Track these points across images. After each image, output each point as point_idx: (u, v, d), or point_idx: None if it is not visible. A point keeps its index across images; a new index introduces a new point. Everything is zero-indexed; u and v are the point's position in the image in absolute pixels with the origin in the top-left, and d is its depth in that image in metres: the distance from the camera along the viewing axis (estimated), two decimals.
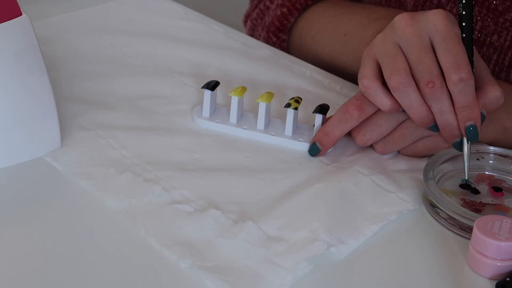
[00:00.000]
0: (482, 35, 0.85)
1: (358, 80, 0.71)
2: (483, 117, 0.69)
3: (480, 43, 0.85)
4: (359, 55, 0.86)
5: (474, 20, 0.83)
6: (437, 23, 0.68)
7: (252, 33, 1.05)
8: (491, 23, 0.84)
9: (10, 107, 0.69)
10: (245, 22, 1.07)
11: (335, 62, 0.93)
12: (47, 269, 0.60)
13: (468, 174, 0.69)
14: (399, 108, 0.70)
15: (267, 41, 1.01)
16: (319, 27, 0.96)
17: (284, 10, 0.98)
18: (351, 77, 0.91)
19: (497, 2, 0.83)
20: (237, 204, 0.67)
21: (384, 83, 0.70)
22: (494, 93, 0.69)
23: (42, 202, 0.68)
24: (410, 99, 0.68)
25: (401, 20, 0.69)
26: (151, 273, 0.60)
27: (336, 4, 0.97)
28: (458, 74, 0.67)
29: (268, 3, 1.02)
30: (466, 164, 0.69)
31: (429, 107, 0.69)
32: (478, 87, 0.69)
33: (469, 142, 0.69)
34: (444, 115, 0.69)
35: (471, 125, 0.68)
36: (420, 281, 0.61)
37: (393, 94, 0.69)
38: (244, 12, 1.08)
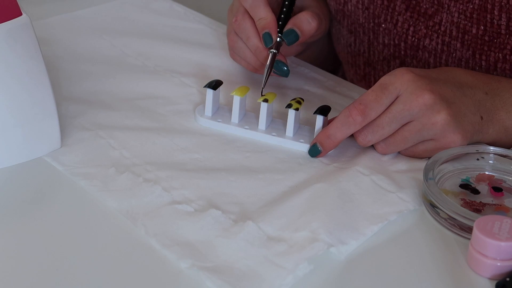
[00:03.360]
0: (416, 39, 0.85)
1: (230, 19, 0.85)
2: (296, 36, 0.81)
3: (415, 47, 0.86)
4: None
5: (407, 26, 0.86)
6: None
7: None
8: (422, 27, 0.85)
9: (10, 107, 0.69)
10: None
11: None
12: (47, 269, 0.60)
13: (264, 84, 0.79)
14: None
15: None
16: None
17: None
18: (350, 81, 0.91)
19: (426, 6, 0.83)
20: (237, 204, 0.67)
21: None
22: (305, 15, 0.81)
23: (42, 202, 0.68)
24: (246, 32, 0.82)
25: None
26: (151, 273, 0.60)
27: None
28: None
29: None
30: (265, 72, 0.79)
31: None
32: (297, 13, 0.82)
33: (272, 50, 0.80)
34: (250, 40, 0.81)
35: (266, 32, 0.80)
36: (420, 281, 0.61)
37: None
38: None
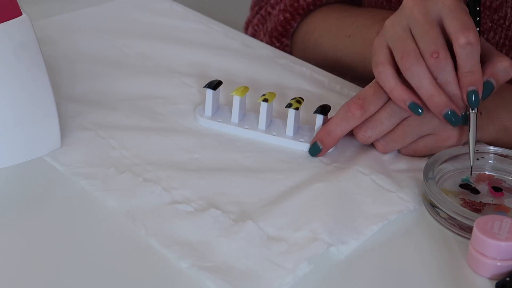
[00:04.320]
0: (479, 33, 0.85)
1: (373, 68, 0.71)
2: (492, 87, 0.69)
3: None
4: (363, 56, 0.86)
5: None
6: (445, 1, 0.69)
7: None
8: (487, 20, 0.84)
9: (10, 107, 0.69)
10: (246, 29, 1.07)
11: (340, 63, 0.93)
12: (47, 269, 0.60)
13: (473, 149, 0.69)
14: (407, 99, 0.70)
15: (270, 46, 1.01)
16: (322, 30, 0.96)
17: (287, 15, 0.98)
18: (354, 77, 0.91)
19: None
20: (237, 204, 0.67)
21: (397, 69, 0.70)
22: (503, 63, 0.69)
23: (42, 202, 0.68)
24: (419, 77, 0.69)
25: (410, 0, 0.70)
26: (151, 273, 0.60)
27: (338, 9, 0.97)
28: (467, 37, 0.67)
29: (270, 9, 1.02)
30: (471, 136, 0.69)
31: (439, 87, 0.69)
32: (487, 59, 0.70)
33: (474, 111, 0.69)
34: (449, 86, 0.69)
35: (473, 90, 0.68)
36: (420, 281, 0.61)
37: (404, 76, 0.69)
38: (244, 13, 1.08)
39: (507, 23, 0.83)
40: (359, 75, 0.89)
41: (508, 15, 0.83)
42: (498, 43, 0.84)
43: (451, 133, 0.72)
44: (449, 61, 0.68)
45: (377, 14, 0.91)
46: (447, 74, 0.68)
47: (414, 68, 0.68)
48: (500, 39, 0.84)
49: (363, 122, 0.72)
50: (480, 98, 0.68)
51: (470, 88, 0.68)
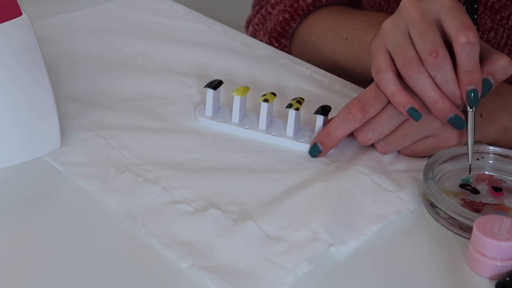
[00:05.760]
0: (480, 32, 0.85)
1: (373, 74, 0.72)
2: (490, 86, 0.70)
3: None
4: (360, 59, 0.86)
5: None
6: (442, 1, 0.69)
7: (253, 38, 1.05)
8: (488, 21, 0.85)
9: (10, 107, 0.69)
10: (247, 27, 1.07)
11: (336, 66, 0.93)
12: (47, 269, 0.60)
13: (471, 148, 0.69)
14: (407, 104, 0.70)
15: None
16: (320, 32, 0.96)
17: (286, 16, 0.98)
18: (351, 79, 0.91)
19: (494, 0, 0.83)
20: (237, 204, 0.67)
21: (398, 74, 0.71)
22: (501, 61, 0.70)
23: (42, 202, 0.68)
24: (422, 84, 0.69)
25: (407, 2, 0.71)
26: (151, 273, 0.60)
27: (337, 10, 0.97)
28: (467, 37, 0.67)
29: (270, 8, 1.02)
30: (469, 134, 0.69)
31: (442, 92, 0.69)
32: (485, 57, 0.70)
33: (472, 109, 0.69)
34: (448, 85, 0.69)
35: (472, 89, 0.68)
36: (420, 281, 0.61)
37: (407, 83, 0.70)
38: (244, 13, 1.08)
39: (510, 23, 0.83)
40: (356, 78, 0.89)
41: None
42: (500, 43, 0.85)
43: (451, 135, 0.72)
44: (448, 60, 0.68)
45: (374, 18, 0.91)
46: (446, 73, 0.69)
47: (418, 76, 0.69)
48: (502, 39, 0.84)
49: (364, 124, 0.72)
50: (479, 96, 0.69)
51: (470, 87, 0.68)
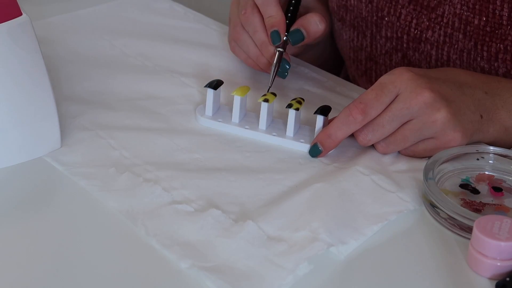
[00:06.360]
0: (418, 32, 0.86)
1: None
2: (302, 36, 0.82)
3: (417, 40, 0.87)
4: None
5: (410, 18, 0.86)
6: None
7: None
8: (425, 19, 0.85)
9: (10, 107, 0.69)
10: None
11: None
12: (47, 269, 0.60)
13: (271, 83, 0.80)
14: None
15: None
16: None
17: None
18: (352, 78, 0.91)
19: None
20: (237, 204, 0.67)
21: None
22: (314, 17, 0.82)
23: (42, 202, 0.68)
24: (247, 43, 0.84)
25: None
26: (151, 273, 0.60)
27: None
28: None
29: None
30: (273, 70, 0.80)
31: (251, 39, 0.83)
32: (303, 15, 0.83)
33: (279, 49, 0.81)
34: (257, 34, 0.82)
35: (274, 30, 0.80)
36: (420, 281, 0.61)
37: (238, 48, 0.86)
38: None
39: (445, 20, 0.83)
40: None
41: (446, 12, 0.83)
42: (438, 41, 0.85)
43: (452, 137, 0.72)
44: (256, 15, 0.82)
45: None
46: (254, 25, 0.82)
47: (242, 36, 0.84)
48: (440, 36, 0.85)
49: (364, 125, 0.72)
50: (283, 39, 0.81)
51: (272, 29, 0.81)
